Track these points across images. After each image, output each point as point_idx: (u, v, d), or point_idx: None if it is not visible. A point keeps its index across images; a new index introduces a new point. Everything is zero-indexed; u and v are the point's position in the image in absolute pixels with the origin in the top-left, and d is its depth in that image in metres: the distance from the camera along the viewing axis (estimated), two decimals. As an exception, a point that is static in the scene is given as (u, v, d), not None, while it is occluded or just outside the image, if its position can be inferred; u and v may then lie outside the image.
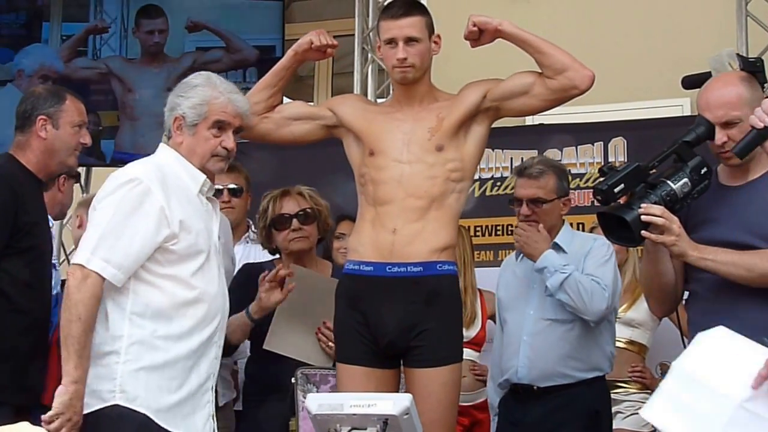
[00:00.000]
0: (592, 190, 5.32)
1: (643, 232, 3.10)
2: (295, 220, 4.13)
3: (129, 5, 8.06)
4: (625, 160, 5.26)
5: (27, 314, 3.71)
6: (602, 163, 5.16)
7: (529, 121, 6.30)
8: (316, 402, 2.79)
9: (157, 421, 3.20)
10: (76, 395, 3.13)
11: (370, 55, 6.80)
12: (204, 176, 3.43)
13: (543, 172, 4.29)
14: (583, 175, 5.55)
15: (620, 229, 3.17)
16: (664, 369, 4.87)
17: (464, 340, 4.54)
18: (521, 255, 4.36)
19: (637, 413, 4.74)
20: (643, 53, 6.29)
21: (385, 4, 3.70)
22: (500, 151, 5.61)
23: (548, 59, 3.63)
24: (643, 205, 3.11)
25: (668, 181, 3.17)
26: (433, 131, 3.66)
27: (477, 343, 4.91)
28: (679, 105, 5.99)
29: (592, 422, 4.14)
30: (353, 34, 6.82)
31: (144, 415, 3.19)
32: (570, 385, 4.16)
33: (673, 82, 5.48)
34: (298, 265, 4.10)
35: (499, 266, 4.59)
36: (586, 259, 4.19)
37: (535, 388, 4.18)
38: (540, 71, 3.67)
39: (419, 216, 3.61)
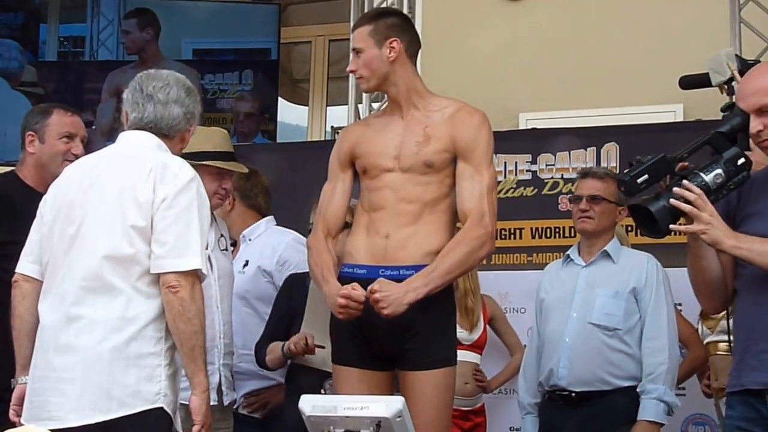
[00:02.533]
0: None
1: (672, 227, 3.03)
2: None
3: (126, 7, 8.10)
4: (618, 166, 5.28)
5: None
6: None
7: (523, 125, 6.33)
8: (309, 404, 2.81)
9: (174, 424, 3.23)
10: (208, 402, 3.21)
11: (365, 59, 6.80)
12: None
13: (607, 175, 4.50)
14: (576, 180, 5.58)
15: (651, 221, 3.08)
16: None
17: (467, 343, 4.69)
18: (568, 259, 4.48)
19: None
20: (637, 59, 6.32)
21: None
22: (494, 155, 5.62)
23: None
24: (684, 181, 3.04)
25: (700, 173, 3.09)
26: (421, 146, 3.66)
27: (479, 347, 4.93)
28: (672, 111, 6.00)
29: (627, 430, 4.18)
30: (348, 38, 6.82)
31: (170, 417, 3.20)
32: (607, 392, 4.22)
33: (667, 87, 5.49)
34: None
35: (499, 270, 4.64)
36: (644, 289, 4.27)
37: (573, 394, 4.25)
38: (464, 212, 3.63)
39: (412, 220, 3.62)
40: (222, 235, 4.15)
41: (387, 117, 3.83)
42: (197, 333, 3.14)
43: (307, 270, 4.36)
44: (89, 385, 3.13)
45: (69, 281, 3.23)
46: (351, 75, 6.66)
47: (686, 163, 3.16)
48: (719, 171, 3.09)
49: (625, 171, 3.14)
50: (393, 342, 3.60)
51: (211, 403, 3.75)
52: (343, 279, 3.70)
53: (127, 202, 3.20)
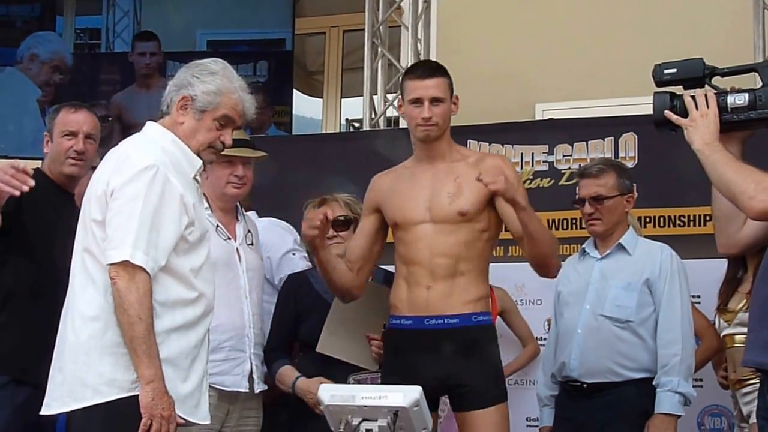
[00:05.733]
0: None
1: (665, 112, 3.12)
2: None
3: (141, -1, 8.15)
4: (636, 156, 5.27)
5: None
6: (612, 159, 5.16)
7: (539, 116, 6.33)
8: (328, 393, 2.84)
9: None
10: (157, 392, 3.11)
11: (380, 50, 6.80)
12: (201, 162, 3.40)
13: (603, 170, 4.43)
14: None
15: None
16: None
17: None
18: (584, 253, 4.48)
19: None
20: (655, 48, 6.26)
21: (410, 65, 3.85)
22: (510, 146, 5.61)
23: (531, 248, 3.78)
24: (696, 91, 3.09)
25: (727, 92, 3.13)
26: (454, 197, 3.80)
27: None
28: (689, 102, 5.98)
29: (641, 422, 4.20)
30: (363, 29, 6.83)
31: None
32: (618, 383, 4.24)
33: (684, 78, 5.47)
34: None
35: (515, 262, 4.64)
36: (658, 280, 4.27)
37: (584, 385, 4.27)
38: None
39: (449, 273, 3.78)
40: (249, 231, 4.19)
41: (413, 167, 3.97)
42: (134, 324, 3.10)
43: (304, 268, 4.46)
44: (69, 374, 3.19)
45: (71, 276, 3.31)
46: (365, 67, 6.80)
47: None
48: (746, 95, 3.12)
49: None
50: (440, 387, 3.78)
51: (243, 390, 3.95)
52: (392, 330, 3.89)
53: (92, 197, 3.27)
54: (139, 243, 3.13)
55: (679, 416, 4.20)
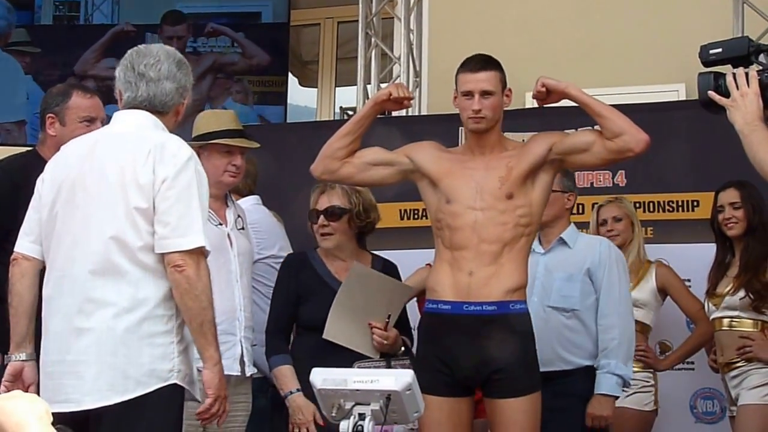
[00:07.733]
0: (591, 173, 5.44)
1: (709, 92, 3.15)
2: (322, 216, 4.26)
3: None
4: (623, 144, 5.32)
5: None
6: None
7: (529, 104, 6.36)
8: (320, 377, 2.81)
9: (193, 392, 3.28)
10: (221, 373, 3.25)
11: (373, 40, 6.86)
12: None
13: None
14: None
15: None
16: (664, 348, 4.92)
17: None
18: (531, 250, 4.50)
19: (640, 392, 4.79)
20: (640, 39, 6.35)
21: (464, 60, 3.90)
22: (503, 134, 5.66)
23: (607, 123, 3.82)
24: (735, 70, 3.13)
25: None
26: (503, 180, 3.85)
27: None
28: (675, 90, 6.04)
29: (584, 408, 4.28)
30: (357, 21, 6.88)
31: (185, 389, 3.24)
32: (568, 372, 4.31)
33: (670, 68, 5.54)
34: (337, 255, 4.28)
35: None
36: (597, 269, 4.34)
37: None
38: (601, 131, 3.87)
39: (493, 260, 3.82)
40: (239, 216, 4.22)
41: (466, 155, 4.00)
42: (205, 309, 3.17)
43: (290, 252, 4.50)
44: (105, 367, 3.16)
45: (79, 265, 3.23)
46: (359, 56, 6.85)
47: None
48: None
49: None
50: (477, 372, 3.81)
51: (235, 374, 3.92)
52: (429, 314, 3.90)
53: (128, 184, 3.21)
54: (203, 230, 3.19)
55: (616, 397, 4.28)
